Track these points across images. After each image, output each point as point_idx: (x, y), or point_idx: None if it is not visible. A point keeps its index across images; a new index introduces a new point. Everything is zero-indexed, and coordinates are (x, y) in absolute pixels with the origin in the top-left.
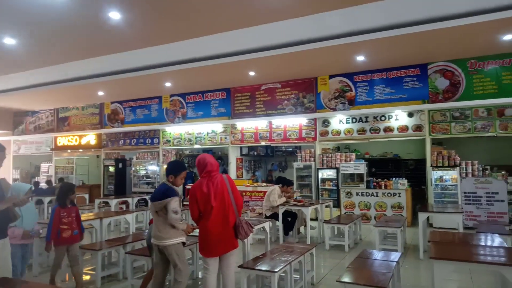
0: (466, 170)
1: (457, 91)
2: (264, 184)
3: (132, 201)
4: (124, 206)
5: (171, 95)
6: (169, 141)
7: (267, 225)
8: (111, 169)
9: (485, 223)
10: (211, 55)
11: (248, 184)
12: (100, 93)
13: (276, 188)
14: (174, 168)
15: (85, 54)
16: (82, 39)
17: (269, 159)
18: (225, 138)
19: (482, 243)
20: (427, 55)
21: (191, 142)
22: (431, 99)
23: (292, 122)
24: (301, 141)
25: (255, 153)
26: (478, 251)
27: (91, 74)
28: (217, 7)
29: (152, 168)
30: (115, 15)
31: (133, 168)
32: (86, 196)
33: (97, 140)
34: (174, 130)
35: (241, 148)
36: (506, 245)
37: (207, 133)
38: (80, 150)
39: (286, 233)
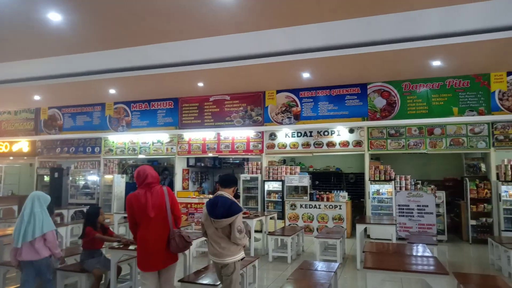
0: (400, 184)
1: (393, 110)
2: (211, 196)
3: (68, 213)
4: (58, 219)
5: (115, 103)
6: (111, 150)
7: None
8: (46, 178)
9: (416, 234)
10: (158, 64)
11: (194, 196)
12: (36, 97)
13: None
14: (234, 179)
15: (20, 55)
16: (17, 39)
17: (216, 171)
18: (172, 148)
19: (412, 253)
20: (366, 76)
21: (135, 152)
22: (370, 116)
23: (240, 134)
24: (249, 153)
25: (202, 165)
26: (407, 261)
27: (27, 77)
28: (165, 17)
29: (92, 178)
30: (55, 17)
31: (70, 178)
32: (15, 207)
33: (30, 147)
34: (117, 139)
35: (188, 159)
36: (432, 255)
37: (153, 143)
38: (11, 158)
39: None
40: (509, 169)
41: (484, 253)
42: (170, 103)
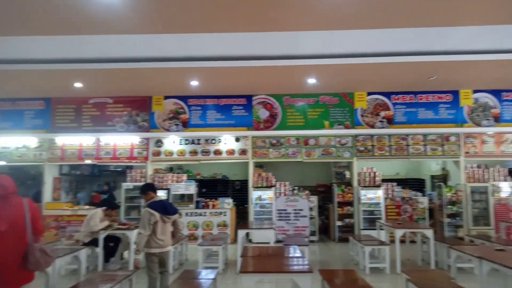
0: (280, 190)
1: (275, 121)
2: (87, 207)
3: None
4: None
5: None
6: None
7: (81, 253)
8: None
9: (291, 237)
10: (27, 58)
11: (67, 208)
12: None
13: (99, 211)
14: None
15: None
16: None
17: (95, 179)
18: (41, 154)
19: (284, 255)
20: (252, 88)
21: None
22: (254, 126)
23: (123, 141)
24: (132, 161)
25: (78, 173)
26: (279, 262)
27: None
28: (41, 7)
29: None
30: None
31: None
32: None
33: None
34: None
35: (60, 166)
36: (301, 255)
37: (17, 148)
38: None
39: (107, 260)
40: (367, 176)
41: (347, 250)
42: (41, 104)
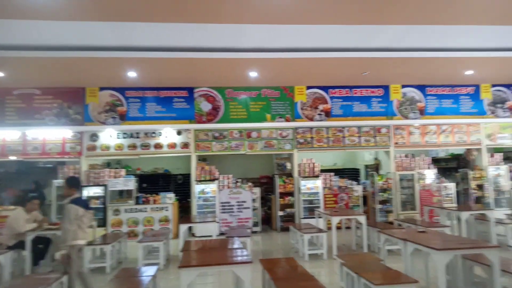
0: (223, 183)
1: (217, 114)
2: (12, 207)
3: None
4: None
5: None
6: None
7: (3, 257)
8: None
9: (234, 228)
10: None
11: None
12: None
13: (20, 210)
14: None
15: None
16: None
17: (22, 177)
18: None
19: (226, 247)
20: (194, 80)
21: None
22: (196, 119)
23: (53, 135)
24: (65, 156)
25: (2, 170)
26: (219, 255)
27: None
28: None
29: None
30: None
31: None
32: None
33: None
34: None
35: None
36: (242, 246)
37: None
38: None
39: (36, 263)
40: (307, 166)
41: (288, 239)
42: None
